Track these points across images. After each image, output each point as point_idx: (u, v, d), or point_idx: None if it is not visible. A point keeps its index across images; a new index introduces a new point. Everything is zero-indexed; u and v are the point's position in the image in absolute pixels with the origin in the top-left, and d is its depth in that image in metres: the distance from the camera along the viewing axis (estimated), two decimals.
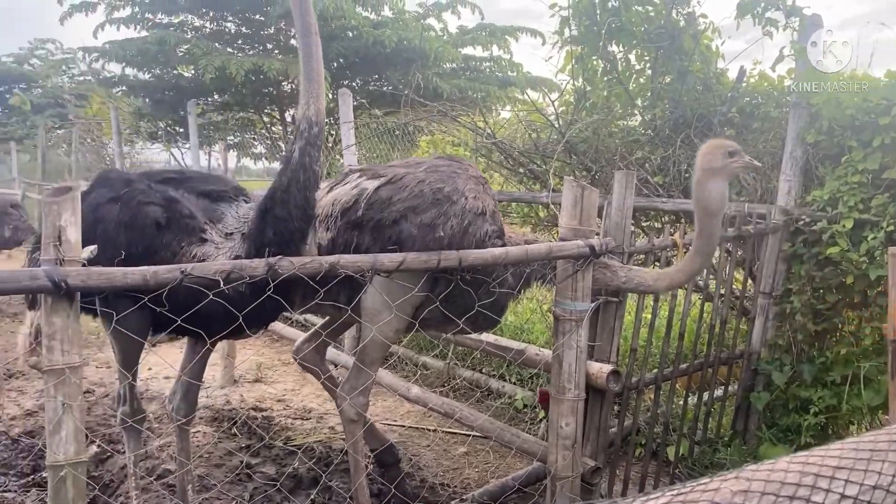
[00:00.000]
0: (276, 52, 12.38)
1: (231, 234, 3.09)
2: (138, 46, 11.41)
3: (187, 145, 11.04)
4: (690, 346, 4.21)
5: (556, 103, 5.64)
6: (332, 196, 3.29)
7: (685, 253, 3.62)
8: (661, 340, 4.22)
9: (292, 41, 12.92)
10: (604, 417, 3.69)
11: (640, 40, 4.96)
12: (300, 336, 7.05)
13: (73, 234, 2.47)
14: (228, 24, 12.58)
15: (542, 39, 12.79)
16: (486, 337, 4.19)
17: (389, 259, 2.83)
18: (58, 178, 17.94)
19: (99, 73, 13.82)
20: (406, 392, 4.86)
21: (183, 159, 13.09)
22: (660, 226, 5.34)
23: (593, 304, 3.32)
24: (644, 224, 5.67)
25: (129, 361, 3.25)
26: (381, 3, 13.36)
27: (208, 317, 2.82)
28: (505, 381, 6.01)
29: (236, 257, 2.92)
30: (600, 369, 3.42)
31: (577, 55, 5.32)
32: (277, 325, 7.45)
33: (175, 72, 12.33)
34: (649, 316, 4.35)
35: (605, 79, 5.26)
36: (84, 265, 2.50)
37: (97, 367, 6.81)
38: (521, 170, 5.94)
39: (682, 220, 4.43)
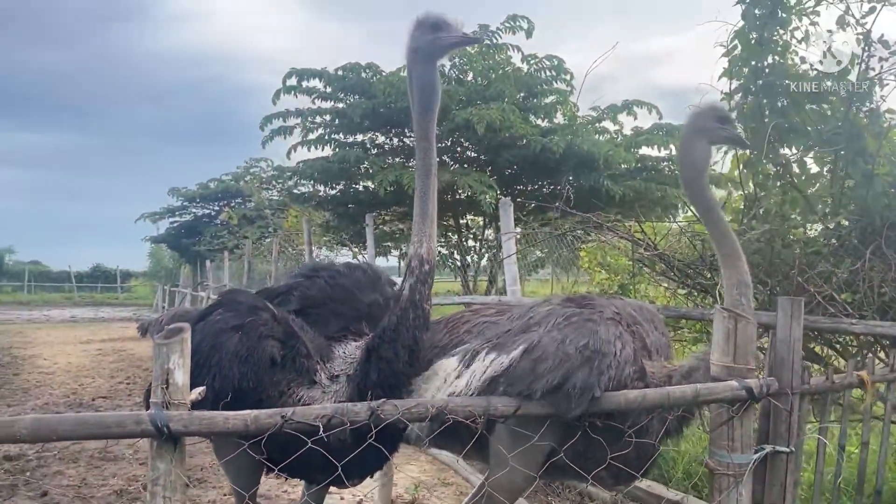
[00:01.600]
0: (451, 163, 12.78)
1: (337, 375, 2.96)
2: (322, 165, 12.29)
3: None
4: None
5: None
6: (464, 380, 2.90)
7: (875, 393, 3.02)
8: (852, 499, 3.51)
9: (467, 153, 13.33)
10: None
11: (815, 141, 4.45)
12: (453, 461, 6.83)
13: (181, 377, 2.45)
14: (407, 140, 13.26)
15: None
16: (640, 483, 3.71)
17: (504, 404, 2.57)
18: (261, 284, 19.48)
19: (292, 189, 14.98)
20: None
21: None
22: (851, 348, 4.61)
23: (756, 456, 2.82)
24: (835, 341, 4.93)
25: (241, 499, 3.20)
26: (554, 109, 13.48)
27: (309, 463, 2.68)
28: None
29: (339, 402, 2.78)
30: None
31: (745, 159, 4.88)
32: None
33: (356, 187, 13.09)
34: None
35: (778, 184, 4.75)
36: (189, 409, 2.49)
37: (266, 477, 6.93)
38: (689, 282, 5.46)
39: (877, 348, 3.76)
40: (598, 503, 5.91)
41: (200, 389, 2.59)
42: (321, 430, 2.42)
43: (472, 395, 2.80)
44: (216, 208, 35.36)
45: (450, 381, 2.91)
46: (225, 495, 6.36)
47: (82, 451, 7.62)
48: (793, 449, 3.00)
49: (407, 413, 2.50)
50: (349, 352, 3.05)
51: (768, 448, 2.95)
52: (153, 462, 2.40)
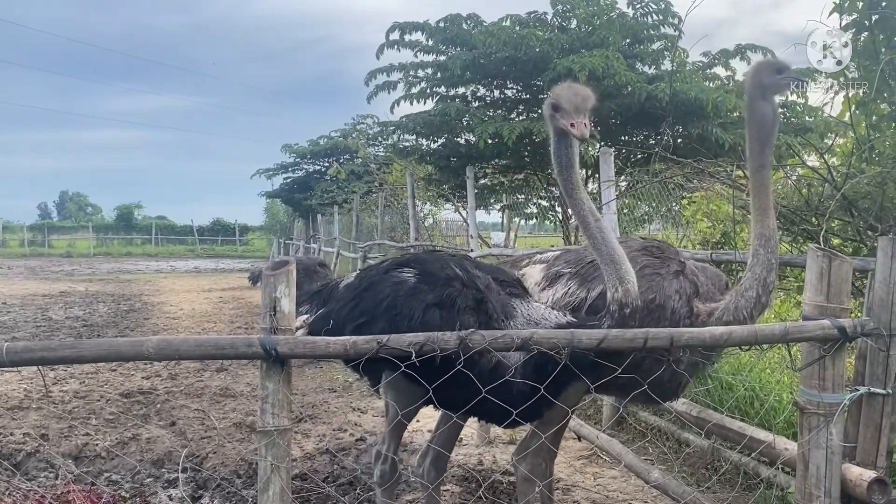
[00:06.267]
0: None
1: None
2: (424, 119, 12.42)
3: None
4: None
5: (832, 155, 4.95)
6: (547, 295, 3.42)
7: None
8: None
9: None
10: None
11: None
12: None
13: (287, 305, 2.67)
14: (508, 92, 13.16)
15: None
16: (732, 423, 3.73)
17: (588, 336, 2.65)
18: (367, 237, 20.10)
19: (396, 144, 15.23)
20: (646, 475, 4.49)
21: (465, 219, 13.87)
22: None
23: (849, 397, 2.79)
24: None
25: (396, 424, 3.52)
26: (661, 56, 13.01)
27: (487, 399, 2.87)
28: (776, 468, 5.26)
29: (524, 363, 2.96)
30: (860, 476, 2.84)
31: (857, 100, 4.65)
32: None
33: (457, 140, 13.18)
34: None
35: (894, 125, 4.51)
36: (294, 334, 2.71)
37: (373, 416, 7.31)
38: (794, 229, 5.29)
39: None
40: (696, 451, 5.92)
41: (304, 317, 2.82)
42: (413, 355, 2.60)
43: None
44: (326, 164, 36.35)
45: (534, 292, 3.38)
46: (334, 430, 6.77)
47: (205, 389, 8.26)
48: (890, 391, 2.94)
49: (494, 343, 2.63)
50: (534, 315, 3.13)
51: (863, 389, 2.91)
52: (262, 382, 2.65)
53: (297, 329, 2.90)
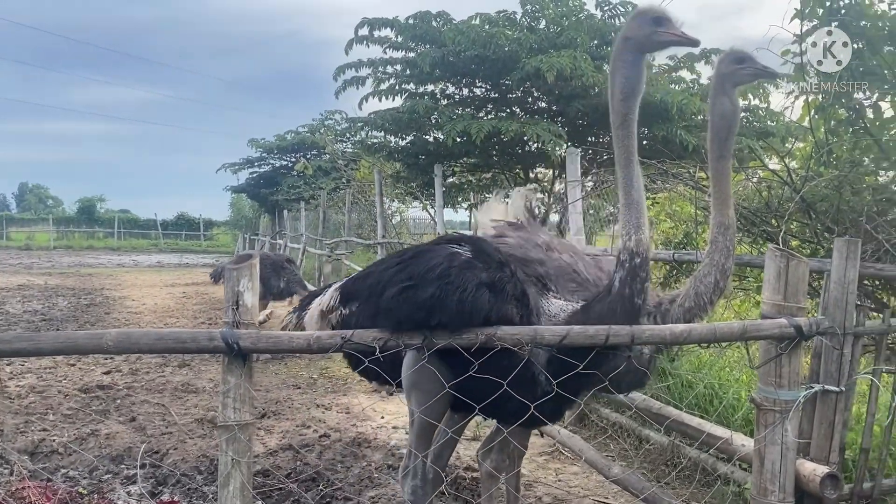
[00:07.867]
0: (521, 113, 12.72)
1: None
2: (393, 115, 12.44)
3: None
4: None
5: (792, 159, 5.06)
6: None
7: None
8: None
9: (538, 102, 13.21)
10: None
11: (892, 85, 4.29)
12: None
13: (250, 299, 2.65)
14: (477, 90, 13.22)
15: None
16: (691, 419, 3.79)
17: (551, 332, 2.68)
18: (334, 234, 19.98)
19: (364, 140, 15.19)
20: (607, 471, 4.54)
21: (433, 217, 13.90)
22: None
23: (804, 394, 2.85)
24: None
25: (423, 434, 3.32)
26: None
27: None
28: (733, 464, 5.36)
29: (550, 357, 2.89)
30: (813, 471, 2.91)
31: (816, 105, 4.75)
32: None
33: (426, 137, 13.22)
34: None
35: (851, 129, 4.62)
36: (258, 329, 2.69)
37: (337, 412, 7.28)
38: (755, 230, 5.39)
39: None
40: (657, 448, 6.01)
41: (267, 312, 2.80)
42: (377, 350, 2.60)
43: None
44: (293, 160, 36.07)
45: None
46: (297, 426, 6.72)
47: (167, 384, 8.14)
48: (843, 389, 3.02)
49: (458, 340, 2.65)
50: (553, 310, 3.07)
51: (817, 387, 2.98)
52: (224, 376, 2.63)
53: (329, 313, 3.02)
